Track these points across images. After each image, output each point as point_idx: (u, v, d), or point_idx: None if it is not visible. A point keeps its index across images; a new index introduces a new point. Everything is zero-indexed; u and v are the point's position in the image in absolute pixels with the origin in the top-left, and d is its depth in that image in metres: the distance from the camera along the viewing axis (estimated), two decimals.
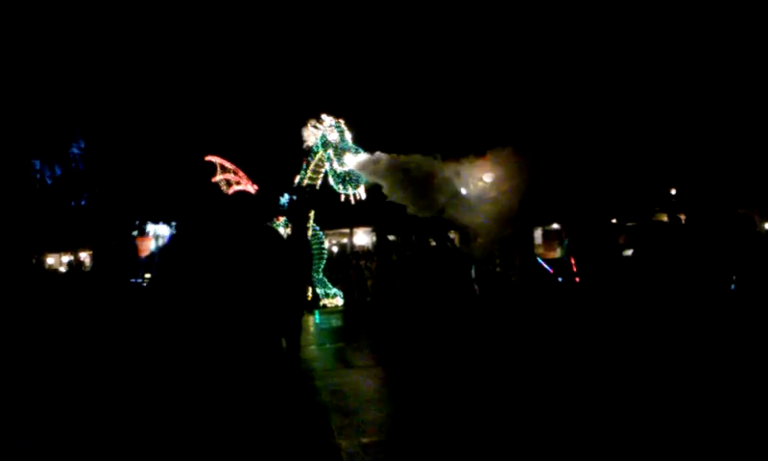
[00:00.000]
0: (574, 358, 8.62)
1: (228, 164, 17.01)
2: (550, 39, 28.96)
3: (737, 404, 5.87)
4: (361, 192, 14.98)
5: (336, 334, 12.70)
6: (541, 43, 28.88)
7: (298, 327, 3.30)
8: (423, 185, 13.18)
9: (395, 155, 14.00)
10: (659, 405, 5.95)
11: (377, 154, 14.20)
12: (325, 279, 17.20)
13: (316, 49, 29.76)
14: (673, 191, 29.07)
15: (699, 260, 10.20)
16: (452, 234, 20.66)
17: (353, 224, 30.33)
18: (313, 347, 10.98)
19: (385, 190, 13.87)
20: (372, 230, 30.83)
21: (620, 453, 4.91)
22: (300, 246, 3.52)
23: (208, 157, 16.97)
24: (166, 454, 4.68)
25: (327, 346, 11.36)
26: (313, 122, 16.02)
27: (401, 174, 13.40)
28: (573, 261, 14.12)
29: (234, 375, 3.07)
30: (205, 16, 30.38)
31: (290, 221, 3.25)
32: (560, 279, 14.34)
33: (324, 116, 15.86)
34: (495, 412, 6.15)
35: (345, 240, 32.44)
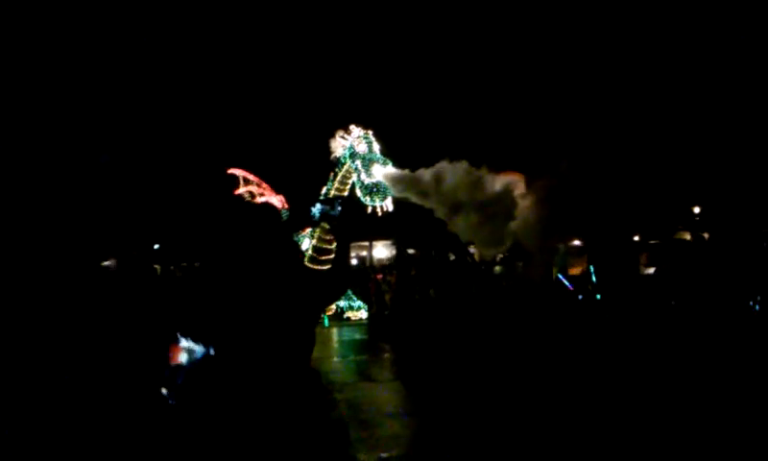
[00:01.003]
0: (596, 377, 8.57)
1: (250, 176, 17.01)
2: (577, 57, 28.90)
3: (758, 422, 5.81)
4: (388, 204, 14.78)
5: (356, 347, 12.72)
6: (569, 61, 28.82)
7: (312, 341, 3.34)
8: (500, 210, 12.20)
9: (465, 163, 12.84)
10: (678, 423, 5.92)
11: (446, 166, 12.99)
12: (350, 292, 17.16)
13: (345, 60, 29.83)
14: (696, 210, 28.81)
15: (721, 280, 10.13)
16: (472, 249, 20.62)
17: (373, 237, 30.34)
18: (333, 359, 11.03)
19: (455, 222, 12.89)
20: (392, 244, 30.82)
21: None
22: (343, 264, 3.57)
23: (231, 170, 17.01)
24: None
25: (347, 359, 11.39)
26: (341, 133, 15.87)
27: (477, 195, 12.40)
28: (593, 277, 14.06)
29: (255, 387, 3.10)
30: (236, 27, 30.59)
31: (336, 237, 3.31)
32: (580, 297, 14.28)
33: (352, 127, 15.73)
34: (516, 429, 6.14)
35: (364, 253, 32.45)
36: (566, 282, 14.54)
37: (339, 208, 3.74)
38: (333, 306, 16.51)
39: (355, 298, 17.25)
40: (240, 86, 29.31)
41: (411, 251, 25.11)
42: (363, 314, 16.88)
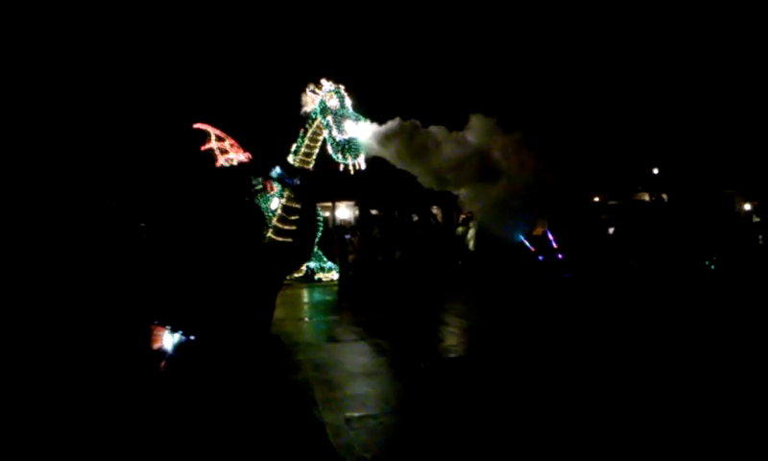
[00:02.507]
0: (558, 334, 8.73)
1: (218, 132, 16.48)
2: (537, 18, 28.88)
3: (714, 376, 6.00)
4: (361, 162, 14.28)
5: (323, 308, 12.71)
6: (528, 21, 28.79)
7: (272, 307, 3.27)
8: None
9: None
10: (634, 378, 6.06)
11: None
12: (321, 253, 16.88)
13: (317, 11, 29.03)
14: (655, 171, 29.33)
15: (679, 239, 10.35)
16: (435, 210, 20.68)
17: (336, 197, 30.20)
18: (300, 320, 11.02)
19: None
20: (355, 205, 30.72)
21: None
22: (309, 225, 3.48)
23: (198, 125, 16.44)
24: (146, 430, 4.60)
25: (313, 320, 11.39)
26: (312, 87, 15.27)
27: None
28: (553, 239, 14.21)
29: (215, 357, 3.04)
30: None
31: (300, 198, 3.24)
32: (540, 258, 14.42)
33: (323, 81, 15.15)
34: (477, 386, 6.23)
35: (327, 214, 32.31)
36: (528, 244, 14.65)
37: (297, 183, 3.61)
38: (303, 268, 16.29)
39: (326, 259, 17.02)
40: (209, 38, 28.36)
41: (374, 211, 25.04)
42: (334, 275, 16.67)
